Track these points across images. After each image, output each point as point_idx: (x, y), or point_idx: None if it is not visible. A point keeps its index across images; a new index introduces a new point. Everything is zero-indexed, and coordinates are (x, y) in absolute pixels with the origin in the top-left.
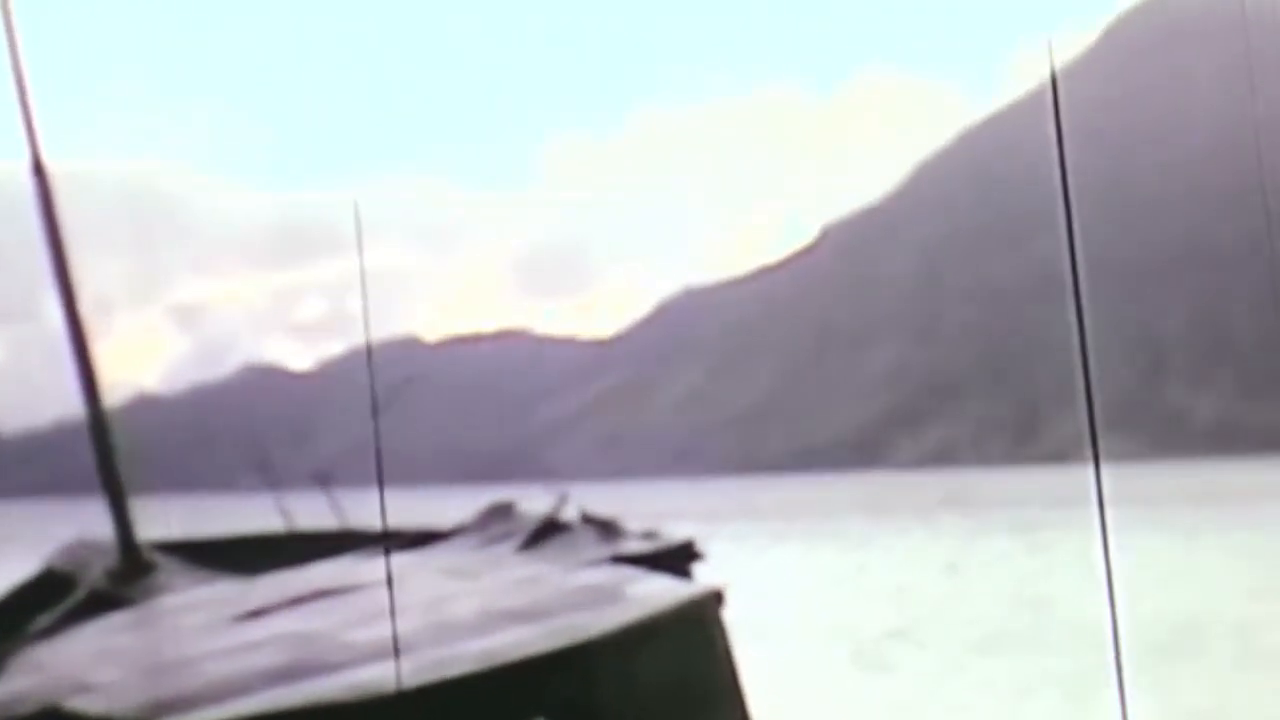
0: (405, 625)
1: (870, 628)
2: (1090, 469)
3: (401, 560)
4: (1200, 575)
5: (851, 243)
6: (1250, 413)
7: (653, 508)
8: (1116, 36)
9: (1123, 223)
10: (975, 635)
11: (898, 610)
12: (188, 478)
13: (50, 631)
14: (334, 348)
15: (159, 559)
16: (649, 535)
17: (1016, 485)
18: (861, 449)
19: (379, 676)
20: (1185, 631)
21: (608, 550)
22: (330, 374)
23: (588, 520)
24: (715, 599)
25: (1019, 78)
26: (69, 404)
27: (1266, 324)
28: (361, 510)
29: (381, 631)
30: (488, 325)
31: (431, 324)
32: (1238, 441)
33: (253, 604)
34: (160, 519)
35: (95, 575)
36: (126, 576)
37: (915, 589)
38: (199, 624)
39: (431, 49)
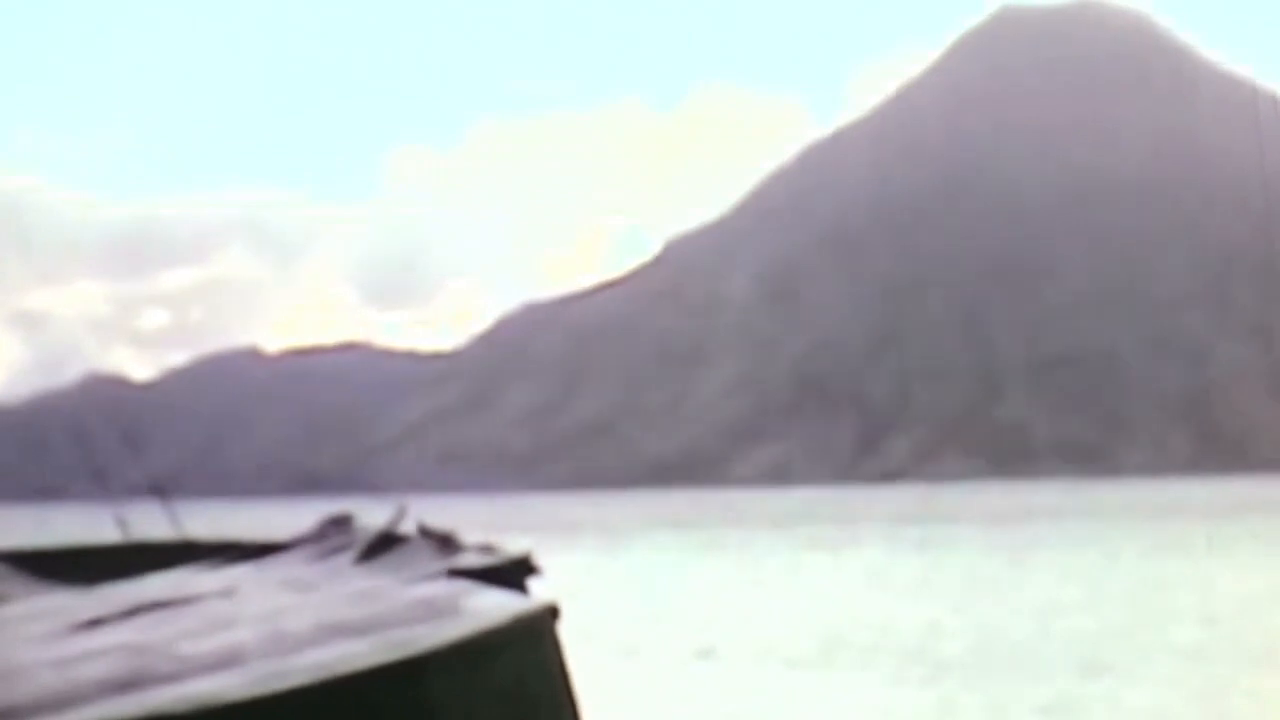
0: (241, 637)
1: (683, 643)
2: (928, 486)
3: (239, 572)
4: (997, 589)
5: (692, 258)
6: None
7: (491, 521)
8: (958, 53)
9: (960, 235)
10: (765, 649)
11: (708, 625)
12: (26, 486)
13: None
14: (176, 358)
15: None
16: (486, 549)
17: (849, 502)
18: (699, 465)
19: (214, 688)
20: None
21: (444, 564)
22: (171, 384)
23: (425, 533)
24: (550, 614)
25: (861, 94)
26: None
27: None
28: (200, 521)
29: (218, 643)
30: (329, 337)
31: (273, 335)
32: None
33: (89, 614)
34: None
35: None
36: None
37: (728, 604)
38: (34, 634)
39: (276, 62)
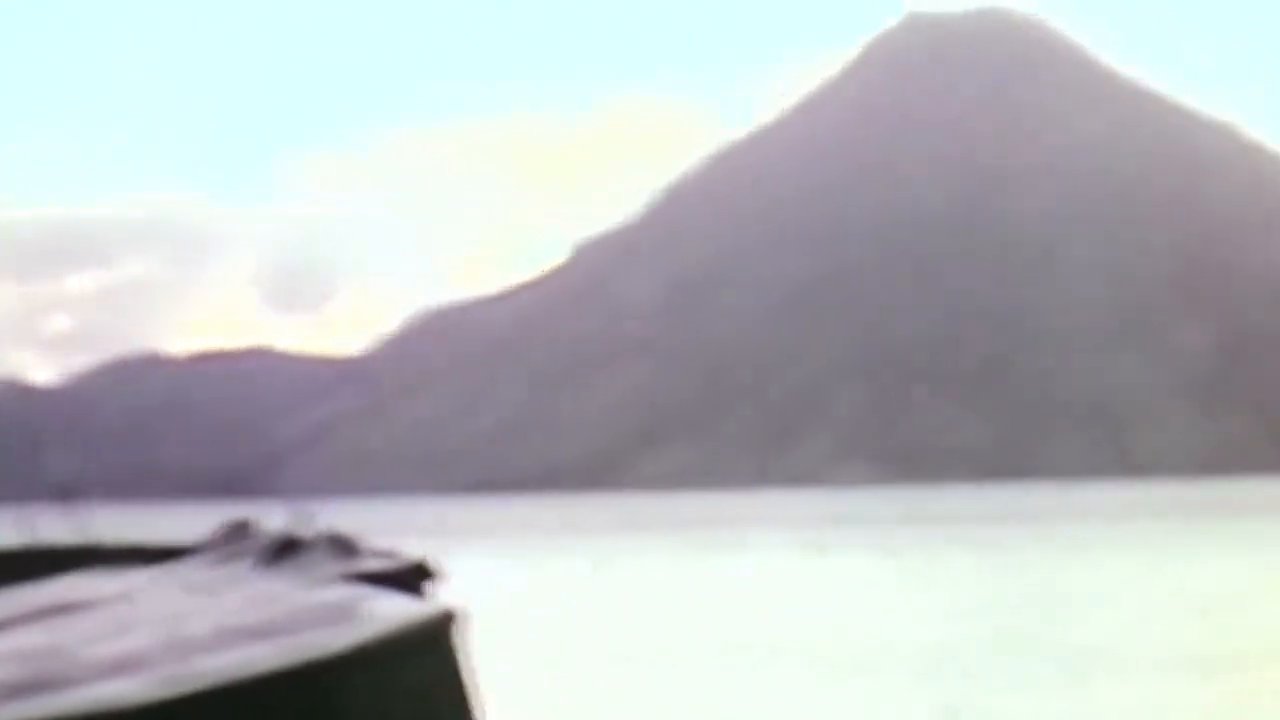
0: (142, 641)
1: (586, 646)
2: (830, 491)
3: (140, 576)
4: (885, 595)
5: (600, 264)
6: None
7: (393, 525)
8: (867, 59)
9: (867, 241)
10: (665, 651)
11: (611, 628)
12: None
13: None
14: (80, 362)
15: None
16: (386, 554)
17: (752, 507)
18: (603, 470)
19: (114, 692)
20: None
21: (345, 568)
22: (75, 389)
23: (325, 538)
24: (450, 618)
25: (771, 101)
26: None
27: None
28: (103, 525)
29: (118, 647)
30: (233, 342)
31: (179, 339)
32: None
33: None
34: None
35: None
36: None
37: (629, 607)
38: None
39: (181, 67)
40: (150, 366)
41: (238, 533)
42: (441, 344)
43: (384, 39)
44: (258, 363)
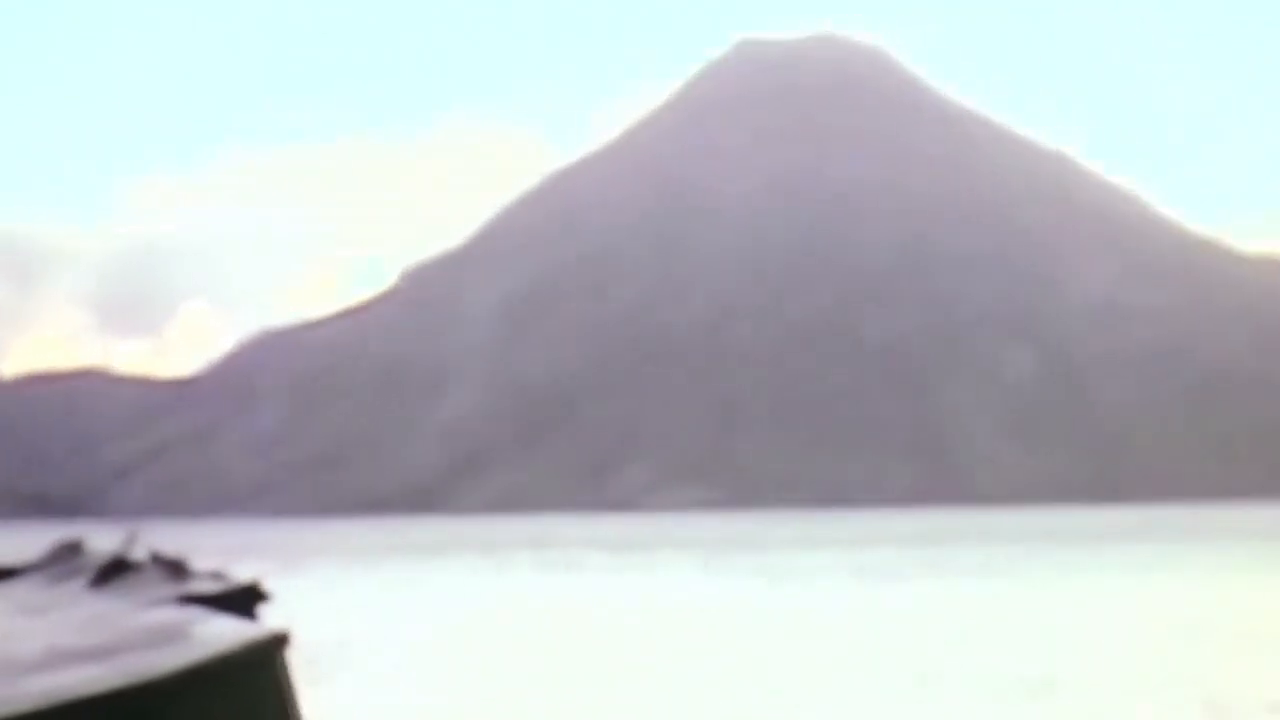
0: None
1: (419, 662)
2: (657, 516)
3: None
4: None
5: (430, 287)
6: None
7: (225, 547)
8: (698, 85)
9: (698, 266)
10: (500, 668)
11: (443, 645)
12: None
13: None
14: None
15: None
16: (216, 575)
17: (578, 529)
18: (432, 492)
19: None
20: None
21: (175, 590)
22: None
23: (156, 559)
24: (279, 640)
25: (603, 125)
26: None
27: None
28: None
29: None
30: (66, 363)
31: (9, 361)
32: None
33: None
34: None
35: None
36: None
37: (458, 626)
38: None
39: (18, 86)
40: None
41: (68, 554)
42: (273, 366)
43: (221, 61)
44: (89, 384)
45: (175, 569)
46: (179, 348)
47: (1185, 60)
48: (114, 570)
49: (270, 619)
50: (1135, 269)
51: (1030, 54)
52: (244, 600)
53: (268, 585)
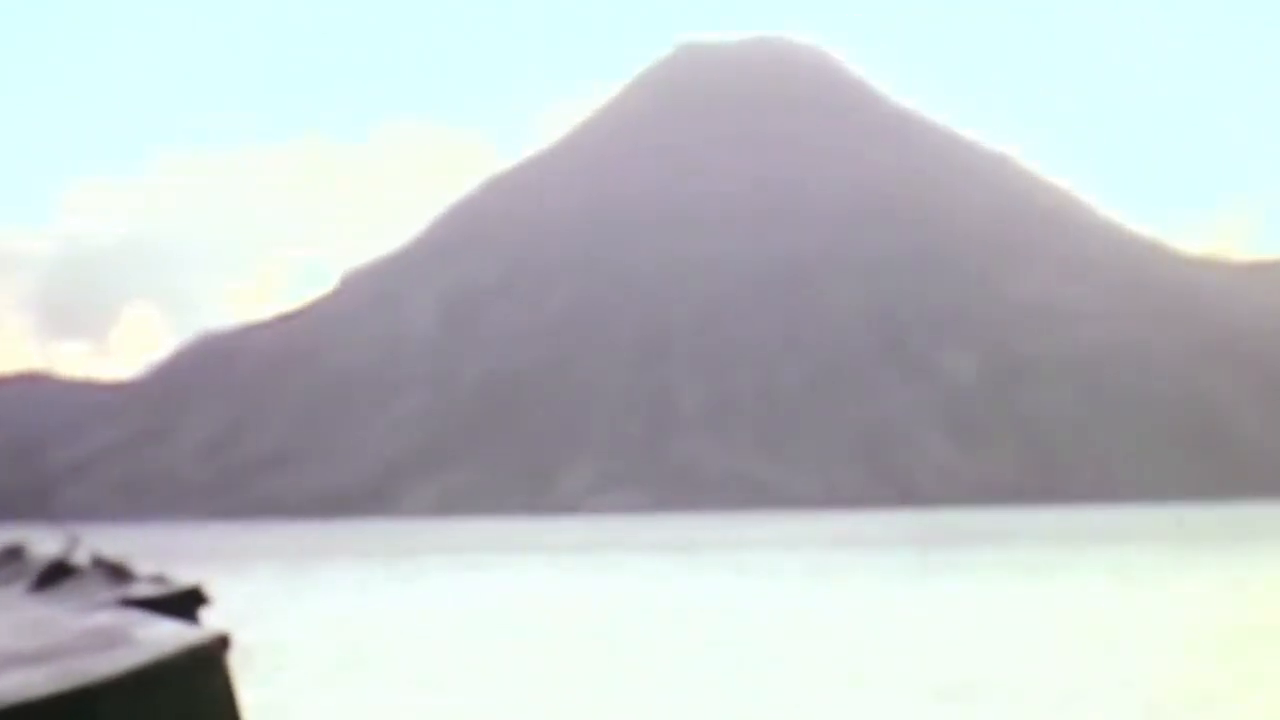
0: None
1: (365, 663)
2: (600, 518)
3: None
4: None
5: (371, 290)
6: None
7: (168, 550)
8: (640, 87)
9: (638, 269)
10: (444, 668)
11: (390, 646)
12: None
13: None
14: None
15: None
16: (158, 579)
17: (521, 532)
18: (375, 496)
19: None
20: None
21: (117, 593)
22: None
23: (98, 563)
24: (221, 643)
25: (546, 128)
26: None
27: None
28: None
29: None
30: (8, 367)
31: None
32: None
33: None
34: None
35: None
36: None
37: (405, 628)
38: None
39: None
40: None
41: (10, 557)
42: (217, 369)
43: (165, 64)
44: (32, 388)
45: (117, 572)
46: (122, 350)
47: (1127, 61)
48: (55, 574)
49: (212, 622)
50: (1075, 270)
51: (971, 56)
52: (185, 603)
53: (210, 588)
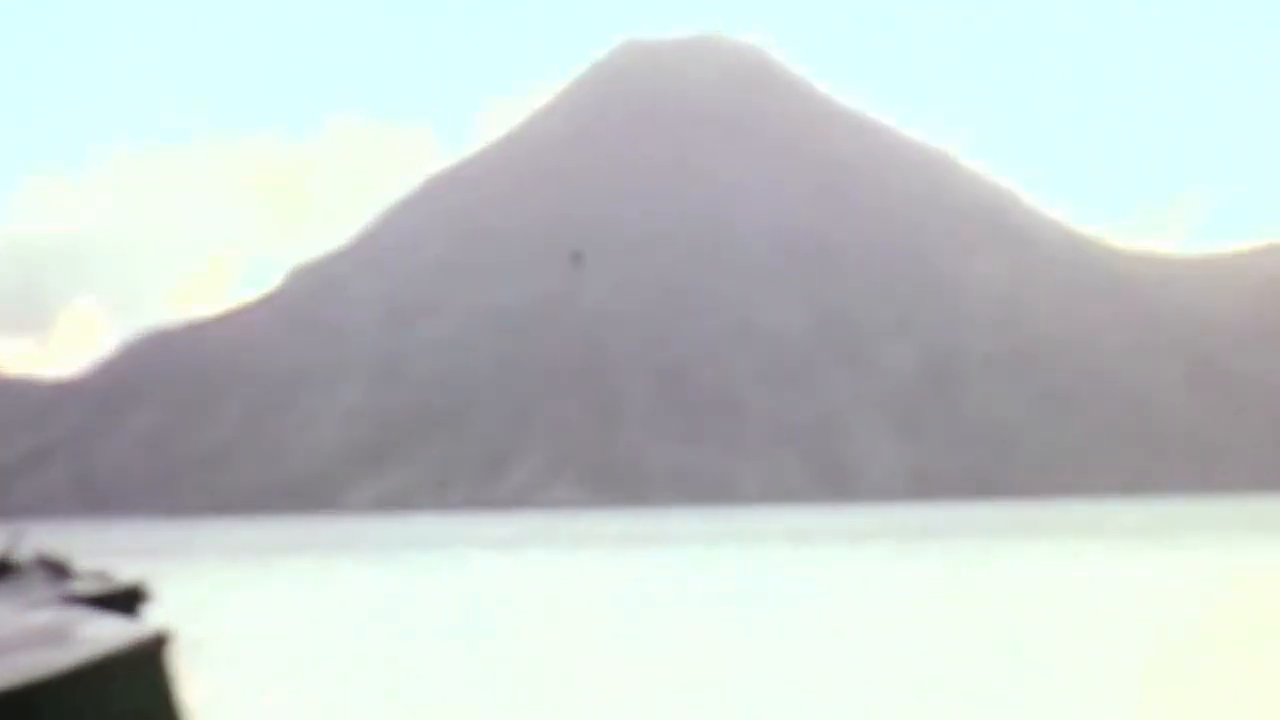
0: None
1: (302, 662)
2: (545, 512)
3: None
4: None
5: (317, 287)
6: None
7: (113, 546)
8: (583, 85)
9: (581, 270)
10: (387, 664)
11: (325, 645)
12: None
13: None
14: None
15: None
16: (100, 576)
17: (464, 528)
18: (321, 492)
19: None
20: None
21: (59, 591)
22: None
23: (40, 561)
24: (161, 640)
25: (490, 126)
26: None
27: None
28: None
29: None
30: None
31: None
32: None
33: None
34: None
35: None
36: None
37: (342, 624)
38: None
39: None
40: None
41: None
42: (160, 366)
43: (108, 62)
44: None
45: (59, 570)
46: (65, 347)
47: (1064, 59)
48: None
49: (154, 618)
50: (1016, 267)
51: (912, 54)
52: (127, 600)
53: (153, 585)
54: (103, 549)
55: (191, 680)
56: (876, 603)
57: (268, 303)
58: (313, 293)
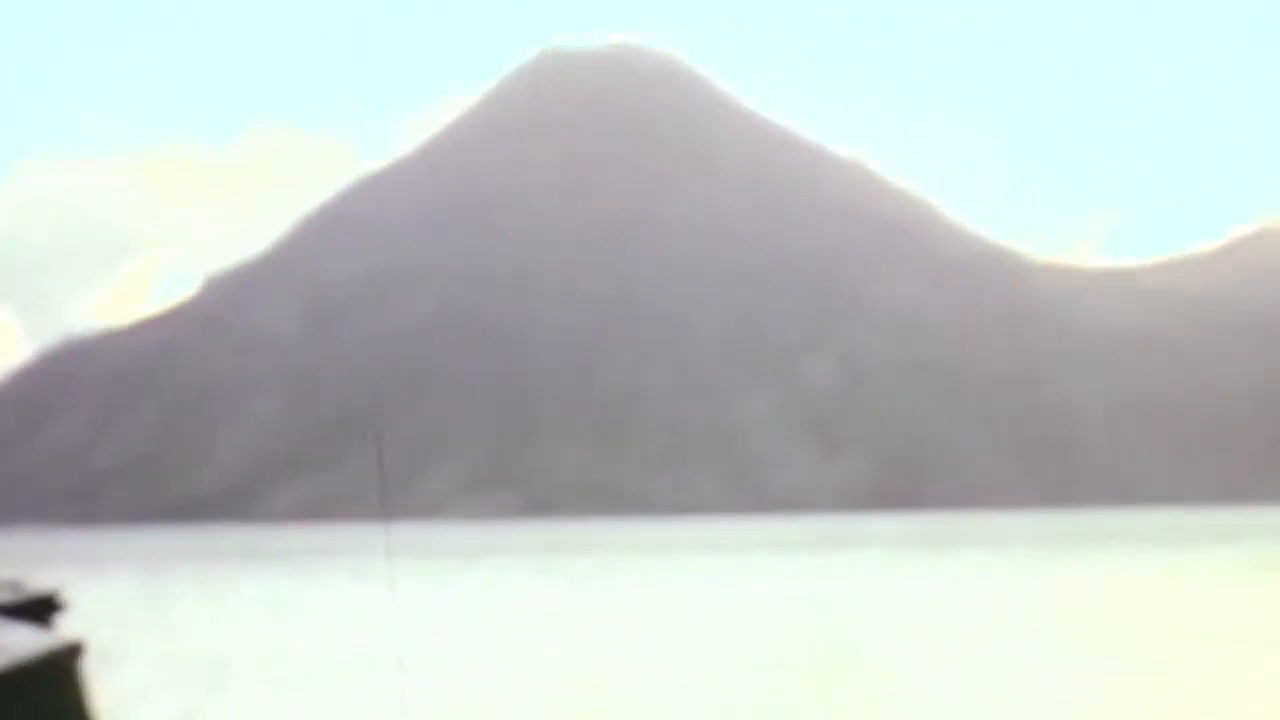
0: None
1: (220, 668)
2: (458, 523)
3: None
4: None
5: (234, 294)
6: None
7: (27, 555)
8: (502, 94)
9: (494, 274)
10: (307, 667)
11: (241, 652)
12: None
13: None
14: None
15: None
16: (12, 585)
17: (377, 537)
18: (236, 500)
19: None
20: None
21: None
22: None
23: None
24: (74, 651)
25: (409, 133)
26: None
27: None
28: None
29: None
30: None
31: None
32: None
33: None
34: None
35: None
36: None
37: (259, 633)
38: None
39: None
40: None
41: None
42: (77, 375)
43: (28, 68)
44: None
45: None
46: None
47: (980, 68)
48: None
49: (68, 627)
50: (927, 277)
51: (833, 65)
52: (40, 610)
53: (68, 593)
54: (19, 557)
55: (103, 689)
56: (789, 612)
57: (185, 310)
58: (230, 300)
